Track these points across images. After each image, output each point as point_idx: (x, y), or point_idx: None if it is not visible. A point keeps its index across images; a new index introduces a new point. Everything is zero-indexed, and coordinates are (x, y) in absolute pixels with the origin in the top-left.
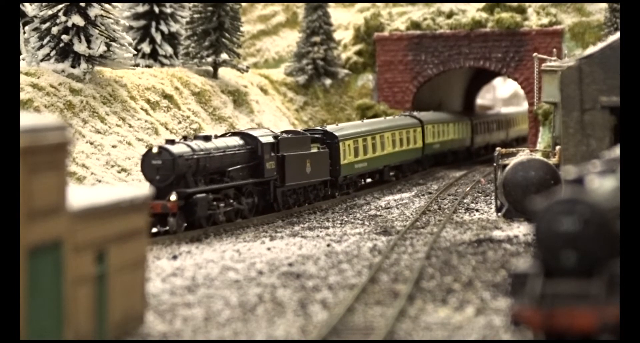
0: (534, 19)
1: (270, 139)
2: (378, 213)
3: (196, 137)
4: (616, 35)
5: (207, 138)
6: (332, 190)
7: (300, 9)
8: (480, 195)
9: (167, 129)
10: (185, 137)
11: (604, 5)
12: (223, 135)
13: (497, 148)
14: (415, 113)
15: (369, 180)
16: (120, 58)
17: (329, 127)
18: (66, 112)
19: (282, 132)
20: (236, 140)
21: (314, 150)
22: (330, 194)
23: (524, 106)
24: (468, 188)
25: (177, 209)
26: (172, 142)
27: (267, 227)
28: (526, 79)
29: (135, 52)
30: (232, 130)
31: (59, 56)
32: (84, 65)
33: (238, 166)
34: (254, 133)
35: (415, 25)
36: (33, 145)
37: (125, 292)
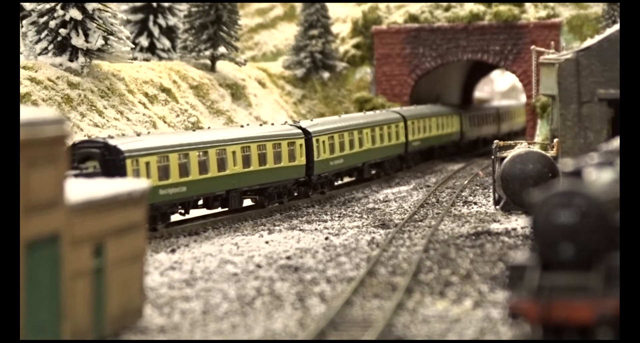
0: (532, 11)
1: None
2: (376, 206)
3: None
4: (614, 28)
5: None
6: None
7: (298, 2)
8: (478, 188)
9: (165, 122)
10: None
11: None
12: None
13: (495, 140)
14: (303, 122)
15: (202, 210)
16: (118, 52)
17: (115, 140)
18: (64, 105)
19: None
20: None
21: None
22: None
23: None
24: (466, 181)
25: None
26: None
27: (266, 220)
28: (524, 72)
29: (133, 46)
30: None
31: (57, 50)
32: (81, 59)
33: None
34: None
35: (413, 18)
36: (31, 138)
37: (124, 285)
